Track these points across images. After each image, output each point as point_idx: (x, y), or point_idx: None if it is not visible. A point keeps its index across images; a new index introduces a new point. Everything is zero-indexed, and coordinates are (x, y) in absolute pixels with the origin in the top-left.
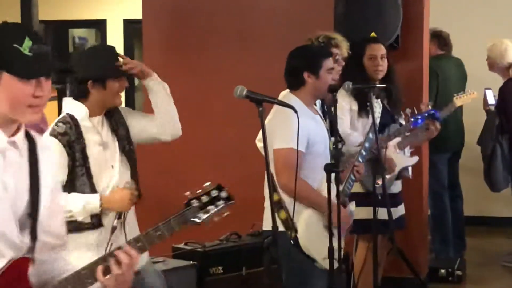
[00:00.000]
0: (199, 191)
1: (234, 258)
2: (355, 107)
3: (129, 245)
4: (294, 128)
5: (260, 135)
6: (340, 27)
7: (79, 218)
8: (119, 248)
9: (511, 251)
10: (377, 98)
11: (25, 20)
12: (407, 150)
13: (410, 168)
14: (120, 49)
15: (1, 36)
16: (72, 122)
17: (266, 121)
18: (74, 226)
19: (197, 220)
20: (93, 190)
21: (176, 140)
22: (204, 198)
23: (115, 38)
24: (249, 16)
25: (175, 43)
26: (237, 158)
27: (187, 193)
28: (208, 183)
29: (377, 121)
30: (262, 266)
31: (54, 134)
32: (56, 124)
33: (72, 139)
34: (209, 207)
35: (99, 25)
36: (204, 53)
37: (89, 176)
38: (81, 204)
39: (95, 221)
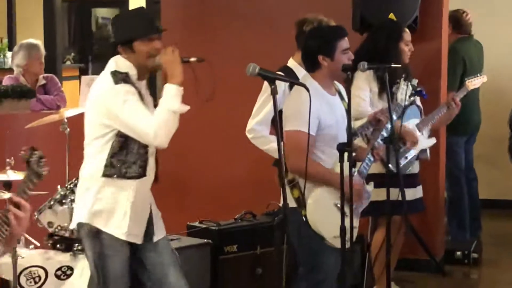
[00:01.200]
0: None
1: (249, 237)
2: (375, 88)
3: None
4: (305, 110)
5: (248, 125)
6: (358, 9)
7: (181, 109)
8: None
9: None
10: (405, 80)
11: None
12: (426, 132)
13: (428, 150)
14: None
15: None
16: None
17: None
18: (121, 173)
19: (42, 171)
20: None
21: (192, 119)
22: (35, 156)
23: None
24: None
25: (193, 22)
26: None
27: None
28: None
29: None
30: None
31: (120, 81)
32: (118, 74)
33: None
34: (41, 163)
35: (122, 5)
36: (222, 33)
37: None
38: (173, 99)
39: (141, 171)
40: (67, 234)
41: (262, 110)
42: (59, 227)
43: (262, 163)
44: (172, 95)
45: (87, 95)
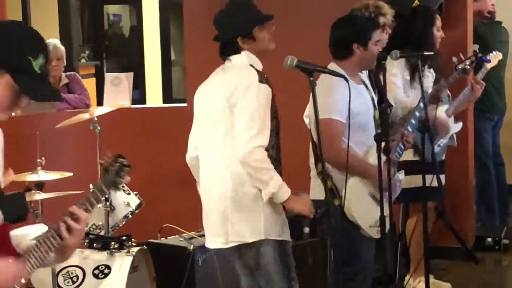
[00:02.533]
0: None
1: None
2: (407, 76)
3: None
4: (336, 98)
5: (307, 111)
6: None
7: (266, 197)
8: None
9: None
10: (429, 67)
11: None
12: (451, 118)
13: (454, 136)
14: (155, 26)
15: (19, 39)
16: (262, 73)
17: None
18: None
19: (119, 183)
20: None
21: None
22: (117, 164)
23: (151, 14)
24: None
25: None
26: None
27: (101, 161)
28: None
29: (429, 90)
30: (305, 238)
31: (264, 80)
32: (257, 71)
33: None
34: (122, 173)
35: (134, 2)
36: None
37: (278, 132)
38: (279, 183)
39: None
40: (102, 233)
41: None
42: (94, 226)
43: (289, 154)
44: (279, 189)
45: (112, 94)
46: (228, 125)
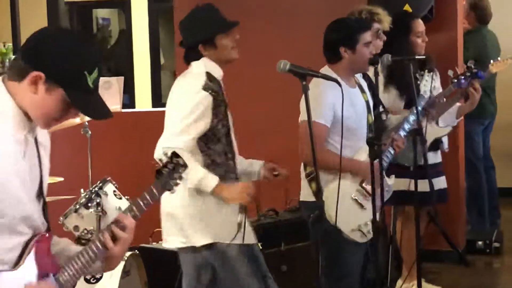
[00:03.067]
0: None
1: (273, 234)
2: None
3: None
4: (322, 102)
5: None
6: (374, 1)
7: (189, 186)
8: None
9: None
10: (429, 71)
11: (51, 2)
12: (442, 121)
13: (445, 140)
14: (144, 30)
15: (79, 53)
16: (217, 81)
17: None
18: None
19: (173, 184)
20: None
21: None
22: (170, 166)
23: (140, 18)
24: None
25: None
26: (271, 134)
27: (156, 164)
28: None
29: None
30: (301, 241)
31: (208, 89)
32: (207, 79)
33: (220, 98)
34: (176, 174)
35: (123, 5)
36: (239, 30)
37: (229, 138)
38: (199, 176)
39: None
40: (93, 237)
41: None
42: (85, 231)
43: (282, 159)
44: (201, 182)
45: (102, 97)
46: None
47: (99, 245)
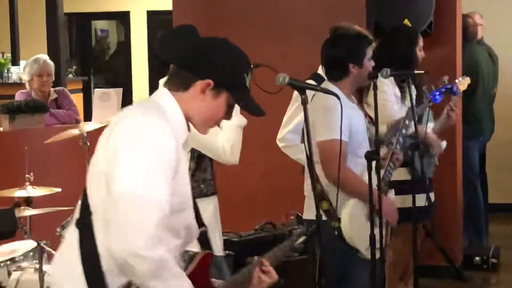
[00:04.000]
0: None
1: (270, 247)
2: (398, 93)
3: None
4: (336, 117)
5: (280, 134)
6: (372, 15)
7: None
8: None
9: None
10: (415, 86)
11: (50, 12)
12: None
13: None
14: (143, 41)
15: (237, 57)
16: None
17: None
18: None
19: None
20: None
21: None
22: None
23: (139, 30)
24: (279, 5)
25: (205, 31)
26: (268, 148)
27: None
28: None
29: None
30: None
31: None
32: None
33: None
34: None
35: (122, 17)
36: (235, 41)
37: None
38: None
39: None
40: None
41: (294, 119)
42: None
43: (279, 172)
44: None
45: (101, 109)
46: None
47: (249, 278)
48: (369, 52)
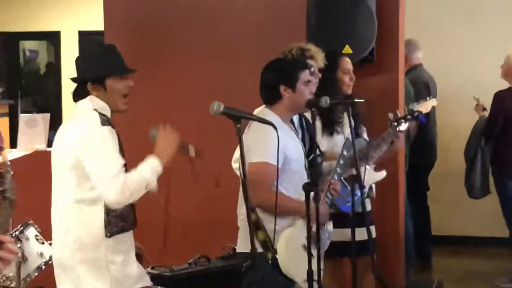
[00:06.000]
0: None
1: (204, 282)
2: (318, 123)
3: None
4: (271, 142)
5: (235, 155)
6: (313, 40)
7: (153, 185)
8: None
9: (502, 272)
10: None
11: None
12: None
13: (373, 186)
14: (74, 63)
15: None
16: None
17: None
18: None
19: None
20: None
21: (140, 159)
22: None
23: (70, 50)
24: (218, 29)
25: (138, 57)
26: (204, 178)
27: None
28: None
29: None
30: None
31: (106, 122)
32: (101, 114)
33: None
34: None
35: (52, 37)
36: (170, 67)
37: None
38: (148, 170)
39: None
40: (13, 285)
41: None
42: (4, 278)
43: (214, 203)
44: (153, 169)
45: (27, 136)
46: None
47: None
48: (304, 76)
